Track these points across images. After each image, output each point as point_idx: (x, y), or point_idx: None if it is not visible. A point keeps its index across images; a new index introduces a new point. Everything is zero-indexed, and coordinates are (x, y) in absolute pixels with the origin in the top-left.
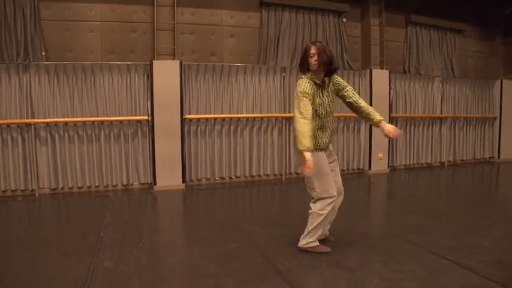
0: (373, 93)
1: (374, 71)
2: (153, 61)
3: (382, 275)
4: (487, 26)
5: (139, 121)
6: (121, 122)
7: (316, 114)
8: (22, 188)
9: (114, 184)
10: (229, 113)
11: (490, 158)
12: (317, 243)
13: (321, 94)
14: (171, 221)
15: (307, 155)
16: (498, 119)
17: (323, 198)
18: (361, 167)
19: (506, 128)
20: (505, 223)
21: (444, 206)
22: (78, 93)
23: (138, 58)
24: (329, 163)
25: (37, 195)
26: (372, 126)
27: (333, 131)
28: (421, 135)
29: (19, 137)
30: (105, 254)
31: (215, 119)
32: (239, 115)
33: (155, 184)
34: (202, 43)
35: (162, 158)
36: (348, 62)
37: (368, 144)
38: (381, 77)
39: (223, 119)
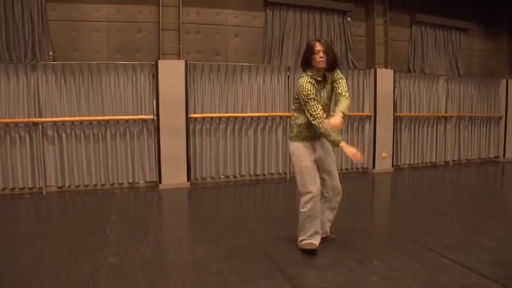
0: (378, 93)
1: (378, 70)
2: (159, 61)
3: (382, 273)
4: (493, 25)
5: (144, 120)
6: (127, 121)
7: None
8: (30, 186)
9: (120, 182)
10: (234, 112)
11: (495, 157)
12: (310, 240)
13: (319, 89)
14: (176, 218)
15: (344, 146)
16: (504, 118)
17: (303, 194)
18: (365, 166)
19: None
20: (508, 223)
21: (448, 205)
22: (84, 92)
23: (144, 58)
24: (323, 160)
25: (44, 193)
26: (377, 125)
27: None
28: (425, 135)
29: (27, 135)
30: (110, 251)
31: (220, 118)
32: (244, 114)
33: (160, 182)
34: (207, 43)
35: (167, 157)
36: (352, 61)
37: (372, 143)
38: (385, 76)
39: (228, 118)
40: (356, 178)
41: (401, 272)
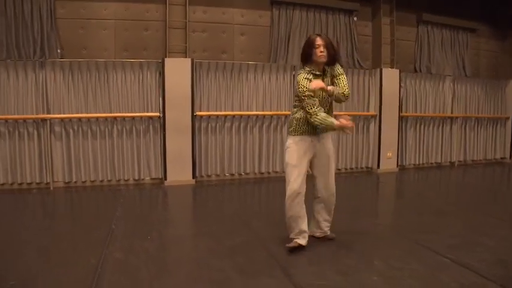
0: (384, 92)
1: (384, 70)
2: (165, 59)
3: (382, 272)
4: (500, 26)
5: (151, 117)
6: (133, 118)
7: None
8: (37, 181)
9: (125, 179)
10: (240, 111)
11: (501, 158)
12: (295, 239)
13: None
14: (180, 215)
15: (338, 124)
16: (510, 119)
17: (286, 191)
18: (369, 166)
19: None
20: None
21: (452, 206)
22: (92, 89)
23: (151, 56)
24: (319, 157)
25: (51, 188)
26: (382, 125)
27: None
28: (431, 135)
29: (35, 131)
30: (115, 246)
31: (225, 116)
32: (249, 112)
33: (166, 179)
34: (214, 41)
35: (172, 154)
36: (358, 60)
37: (377, 142)
38: (391, 76)
39: (234, 116)
40: (360, 178)
41: (402, 271)
